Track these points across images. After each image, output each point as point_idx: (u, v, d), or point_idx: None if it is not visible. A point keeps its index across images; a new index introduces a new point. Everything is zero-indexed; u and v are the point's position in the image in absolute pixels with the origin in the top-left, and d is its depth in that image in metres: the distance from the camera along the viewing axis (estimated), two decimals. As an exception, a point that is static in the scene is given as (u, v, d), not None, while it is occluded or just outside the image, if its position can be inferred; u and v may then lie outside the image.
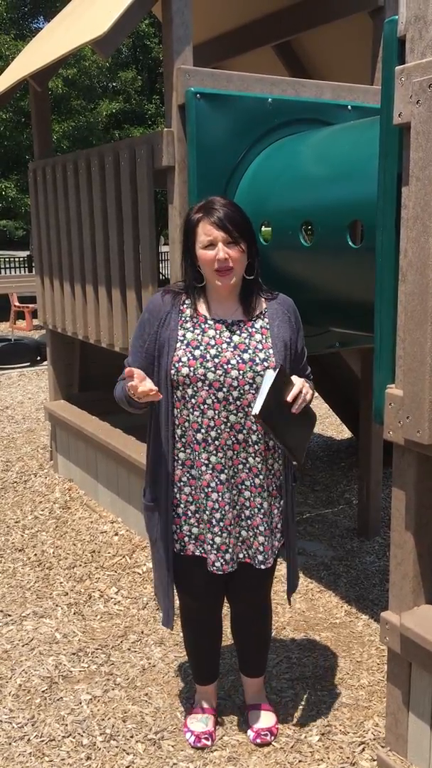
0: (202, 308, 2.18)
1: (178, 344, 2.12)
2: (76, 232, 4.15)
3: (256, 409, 2.00)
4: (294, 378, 2.10)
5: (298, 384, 2.08)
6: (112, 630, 3.14)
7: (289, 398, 2.05)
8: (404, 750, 2.26)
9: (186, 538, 2.23)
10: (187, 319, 2.16)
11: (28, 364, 9.47)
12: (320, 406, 6.75)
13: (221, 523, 2.17)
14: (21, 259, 18.51)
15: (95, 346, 4.23)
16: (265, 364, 2.12)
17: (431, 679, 2.12)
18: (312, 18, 4.16)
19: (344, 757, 2.36)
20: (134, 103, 18.21)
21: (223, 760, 2.36)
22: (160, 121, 18.38)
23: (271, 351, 2.14)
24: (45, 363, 8.95)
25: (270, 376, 2.02)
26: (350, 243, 2.61)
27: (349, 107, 3.36)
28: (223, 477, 2.15)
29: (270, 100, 3.15)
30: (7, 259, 18.15)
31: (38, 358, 9.48)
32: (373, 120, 2.75)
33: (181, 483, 2.20)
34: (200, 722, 2.47)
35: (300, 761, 2.35)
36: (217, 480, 2.15)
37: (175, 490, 2.21)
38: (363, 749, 2.39)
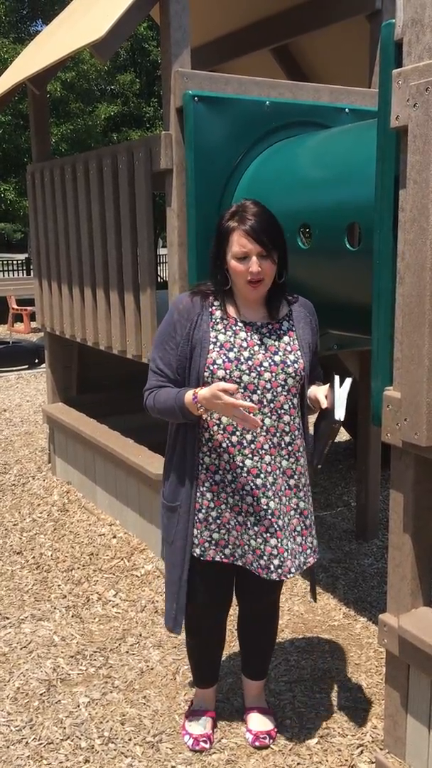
0: (231, 310, 2.17)
1: (211, 346, 2.10)
2: (74, 234, 4.16)
3: (341, 414, 2.03)
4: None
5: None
6: (110, 633, 3.13)
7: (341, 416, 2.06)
8: (402, 752, 2.26)
9: (206, 544, 2.20)
10: (218, 320, 2.14)
11: (26, 366, 9.46)
12: (318, 409, 6.76)
13: (255, 528, 2.15)
14: (19, 261, 18.50)
15: (93, 349, 4.23)
16: (296, 365, 2.13)
17: (429, 682, 2.12)
18: (310, 21, 4.17)
19: (342, 759, 2.36)
20: (132, 106, 18.24)
21: (221, 762, 2.36)
22: (158, 124, 18.40)
23: (299, 353, 2.16)
24: (43, 366, 8.96)
25: (348, 383, 2.06)
26: (348, 246, 2.62)
27: (347, 110, 3.36)
28: (259, 482, 2.13)
29: (268, 103, 3.16)
30: (5, 262, 18.15)
31: (36, 360, 9.48)
32: (370, 123, 2.75)
33: (204, 488, 2.17)
34: (198, 725, 2.47)
35: (298, 764, 2.35)
36: (252, 484, 2.13)
37: (198, 494, 2.18)
38: (361, 752, 2.39)
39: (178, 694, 2.71)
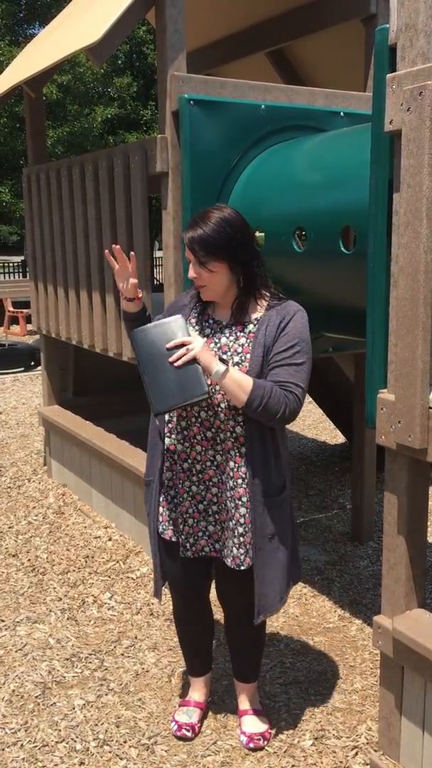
0: (209, 309, 2.30)
1: None
2: (70, 237, 4.16)
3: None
4: (194, 335, 2.12)
5: (185, 338, 2.07)
6: (106, 635, 3.13)
7: (170, 344, 2.06)
8: (397, 754, 2.26)
9: (166, 523, 2.34)
10: (195, 315, 2.28)
11: (22, 369, 9.46)
12: (314, 411, 6.77)
13: (179, 509, 2.29)
14: (15, 264, 18.50)
15: (89, 351, 4.23)
16: (237, 368, 2.13)
17: (423, 683, 2.13)
18: (305, 25, 4.19)
19: (337, 761, 2.36)
20: (130, 109, 18.26)
21: (216, 764, 2.36)
22: (156, 127, 18.41)
23: (247, 356, 2.14)
24: (39, 368, 8.96)
25: (171, 319, 2.11)
26: (343, 249, 2.63)
27: (342, 114, 3.38)
28: (186, 465, 2.26)
29: (263, 106, 3.17)
30: (1, 264, 18.14)
31: (32, 363, 9.47)
32: (365, 127, 2.76)
33: (165, 467, 2.31)
34: (185, 714, 2.52)
35: (293, 766, 2.35)
36: (180, 468, 2.27)
37: (163, 472, 2.33)
38: (356, 753, 2.40)
39: (173, 697, 2.71)
